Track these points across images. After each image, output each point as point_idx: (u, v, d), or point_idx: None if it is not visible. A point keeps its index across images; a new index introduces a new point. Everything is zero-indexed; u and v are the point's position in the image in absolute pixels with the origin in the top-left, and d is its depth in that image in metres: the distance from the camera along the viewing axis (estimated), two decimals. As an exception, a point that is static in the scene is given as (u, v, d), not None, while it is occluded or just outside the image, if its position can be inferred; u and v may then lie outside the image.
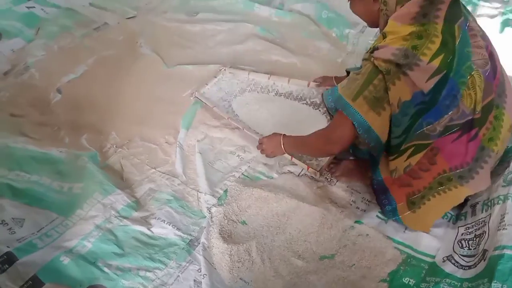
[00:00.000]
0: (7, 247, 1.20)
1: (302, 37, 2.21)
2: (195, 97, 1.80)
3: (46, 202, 1.37)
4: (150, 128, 1.73)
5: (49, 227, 1.30)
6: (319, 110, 1.75)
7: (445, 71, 1.05)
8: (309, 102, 1.79)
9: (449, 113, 1.11)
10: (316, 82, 1.79)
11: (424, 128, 1.14)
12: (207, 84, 1.86)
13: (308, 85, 1.80)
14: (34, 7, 2.42)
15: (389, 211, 1.30)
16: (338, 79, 1.72)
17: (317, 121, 1.68)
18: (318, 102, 1.77)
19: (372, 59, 1.10)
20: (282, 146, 1.42)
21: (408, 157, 1.20)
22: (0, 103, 1.84)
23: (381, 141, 1.17)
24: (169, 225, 1.35)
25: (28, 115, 1.78)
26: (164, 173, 1.55)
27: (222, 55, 2.11)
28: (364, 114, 1.11)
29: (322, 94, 1.38)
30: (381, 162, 1.29)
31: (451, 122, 1.13)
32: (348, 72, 1.44)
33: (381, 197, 1.32)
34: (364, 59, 1.16)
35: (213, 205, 1.41)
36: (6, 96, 1.87)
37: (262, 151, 1.50)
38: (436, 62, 1.04)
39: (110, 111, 1.81)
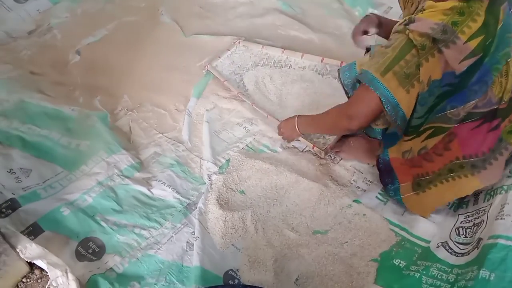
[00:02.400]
0: (12, 194, 1.26)
1: (324, 14, 2.16)
2: (207, 70, 1.80)
3: (53, 156, 1.42)
4: (161, 94, 1.75)
5: (54, 180, 1.35)
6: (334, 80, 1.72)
7: (480, 54, 1.00)
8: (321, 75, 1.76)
9: (476, 99, 1.07)
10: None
11: (447, 111, 1.10)
12: (219, 57, 1.85)
13: (322, 60, 1.77)
14: (61, -30, 2.45)
15: (391, 190, 1.28)
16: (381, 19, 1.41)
17: (335, 91, 1.66)
18: (331, 78, 1.75)
19: (407, 31, 1.01)
20: (296, 126, 1.35)
21: (426, 138, 1.17)
22: (22, 60, 1.89)
23: (407, 119, 1.10)
24: (169, 187, 1.38)
25: (47, 74, 1.84)
26: (170, 138, 1.57)
27: (240, 27, 2.09)
28: (393, 90, 1.03)
29: (339, 70, 1.32)
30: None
31: (475, 109, 1.09)
32: (367, 49, 1.37)
33: (384, 176, 1.30)
34: (396, 31, 1.07)
35: (214, 172, 1.43)
36: (28, 54, 1.93)
37: (283, 137, 1.47)
38: (473, 43, 0.98)
39: (125, 75, 1.84)
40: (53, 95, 1.70)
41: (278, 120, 1.52)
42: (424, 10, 1.03)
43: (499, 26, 1.00)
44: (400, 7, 1.21)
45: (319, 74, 1.79)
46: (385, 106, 1.05)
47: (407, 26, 1.02)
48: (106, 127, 1.55)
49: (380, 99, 1.04)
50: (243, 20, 2.14)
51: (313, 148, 1.48)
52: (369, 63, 1.09)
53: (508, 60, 1.05)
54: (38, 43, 2.01)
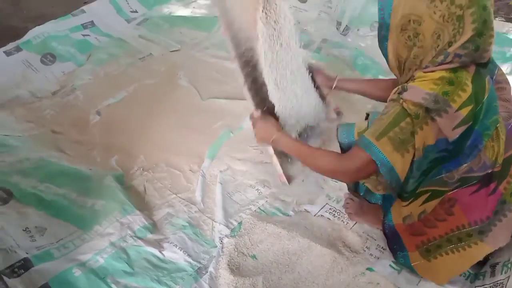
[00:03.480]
0: (26, 253, 1.27)
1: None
2: None
3: (68, 215, 1.43)
4: (177, 155, 1.79)
5: (68, 239, 1.36)
6: None
7: (471, 122, 1.04)
8: None
9: (468, 162, 1.10)
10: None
11: (443, 175, 1.13)
12: None
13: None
14: (89, 35, 2.62)
15: (400, 257, 1.27)
16: (341, 82, 1.58)
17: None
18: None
19: (400, 100, 1.06)
20: (271, 141, 1.35)
21: (423, 202, 1.18)
22: (45, 119, 1.98)
23: (401, 181, 1.11)
24: (181, 250, 1.38)
25: (67, 133, 1.91)
26: (183, 199, 1.59)
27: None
28: (387, 155, 1.06)
29: (338, 127, 1.37)
30: (394, 209, 1.27)
31: (471, 174, 1.11)
32: (367, 115, 1.43)
33: (392, 243, 1.29)
34: (391, 100, 1.11)
35: (225, 235, 1.43)
36: (50, 114, 2.02)
37: (255, 135, 1.44)
38: (464, 112, 1.02)
39: (142, 135, 1.89)
40: (72, 154, 1.76)
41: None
42: (415, 79, 1.08)
43: (486, 96, 1.05)
44: (395, 75, 1.25)
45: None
46: (380, 169, 1.08)
47: (401, 96, 1.06)
48: (121, 187, 1.58)
49: (374, 162, 1.08)
50: None
51: (279, 176, 1.46)
52: (368, 130, 1.13)
53: (497, 125, 1.09)
54: (61, 103, 2.11)
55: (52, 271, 1.24)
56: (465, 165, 1.10)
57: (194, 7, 3.06)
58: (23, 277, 1.21)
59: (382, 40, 1.14)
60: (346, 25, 2.74)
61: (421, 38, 1.04)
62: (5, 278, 1.08)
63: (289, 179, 1.47)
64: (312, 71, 1.64)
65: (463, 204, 1.14)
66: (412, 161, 1.07)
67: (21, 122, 1.93)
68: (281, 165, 1.48)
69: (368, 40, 2.58)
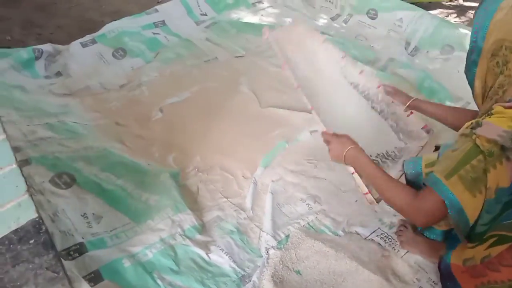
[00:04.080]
0: (82, 238, 1.33)
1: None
2: (267, 38, 1.69)
3: (124, 206, 1.48)
4: (231, 159, 1.81)
5: (121, 230, 1.41)
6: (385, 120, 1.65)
7: None
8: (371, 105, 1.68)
9: None
10: (387, 89, 1.66)
11: None
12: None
13: (378, 87, 1.68)
14: (159, 33, 2.72)
15: (455, 299, 1.20)
16: (412, 102, 1.58)
17: (383, 134, 1.61)
18: (379, 109, 1.67)
19: (473, 136, 1.00)
20: (344, 158, 1.26)
21: (489, 246, 1.11)
22: (110, 111, 2.07)
23: (470, 225, 1.05)
24: (227, 255, 1.39)
25: (130, 126, 1.98)
26: (234, 204, 1.60)
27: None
28: (458, 195, 1.00)
29: (404, 161, 1.32)
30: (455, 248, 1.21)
31: None
32: (437, 147, 1.37)
33: (446, 280, 1.23)
34: (462, 134, 1.06)
35: (272, 246, 1.42)
36: (116, 106, 2.10)
37: (329, 153, 1.34)
38: None
39: (200, 136, 1.93)
40: (132, 147, 1.83)
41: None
42: (492, 114, 1.01)
43: None
44: (477, 103, 1.19)
45: (367, 100, 1.69)
46: (449, 210, 1.02)
47: (474, 131, 1.00)
48: (176, 185, 1.61)
49: (444, 202, 1.02)
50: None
51: (365, 194, 1.31)
52: (436, 167, 1.08)
53: None
54: (127, 96, 2.20)
55: (104, 259, 1.29)
56: None
57: (262, 15, 3.10)
58: (77, 260, 1.26)
59: (471, 66, 1.09)
60: (415, 46, 2.67)
61: (509, 67, 0.99)
62: (61, 259, 1.13)
63: (378, 198, 1.30)
64: (388, 91, 1.65)
65: None
66: (483, 203, 1.01)
67: (89, 112, 2.03)
68: (365, 184, 1.32)
69: (437, 63, 2.49)
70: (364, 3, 3.01)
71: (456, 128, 1.38)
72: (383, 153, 1.52)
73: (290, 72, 1.59)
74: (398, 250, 1.43)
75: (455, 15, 3.62)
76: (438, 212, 1.05)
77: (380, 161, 1.47)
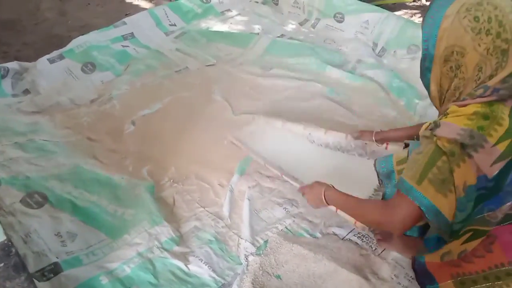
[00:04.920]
0: (56, 257, 1.30)
1: (369, 103, 2.22)
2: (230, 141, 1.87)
3: (99, 222, 1.47)
4: (207, 168, 1.81)
5: (97, 246, 1.39)
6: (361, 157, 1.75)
7: (510, 158, 1.00)
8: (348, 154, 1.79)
9: (511, 201, 1.05)
10: (354, 135, 1.78)
11: (485, 214, 1.08)
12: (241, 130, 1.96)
13: (346, 137, 1.79)
14: (128, 46, 2.70)
15: (430, 291, 1.22)
16: (379, 135, 1.71)
17: (362, 166, 1.70)
18: (357, 155, 1.77)
19: (434, 138, 1.04)
20: (324, 199, 1.32)
21: (465, 242, 1.14)
22: (81, 127, 2.04)
23: (450, 224, 1.06)
24: (206, 265, 1.38)
25: (102, 141, 1.96)
26: (211, 213, 1.60)
27: (286, 109, 2.17)
28: (431, 198, 1.01)
29: (375, 161, 1.35)
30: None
31: None
32: (406, 144, 1.40)
33: (421, 277, 1.25)
34: (424, 136, 1.09)
35: (251, 253, 1.42)
36: (87, 121, 2.08)
37: (308, 202, 1.42)
38: (502, 146, 0.98)
39: (174, 147, 1.92)
40: (106, 162, 1.81)
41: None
42: (448, 114, 1.05)
43: None
44: (435, 105, 1.21)
45: (343, 152, 1.82)
46: (426, 215, 1.03)
47: (434, 133, 1.04)
48: (152, 197, 1.60)
49: (419, 208, 1.03)
50: (290, 102, 2.23)
51: (355, 223, 1.40)
52: (406, 172, 1.09)
53: None
54: (98, 111, 2.17)
55: (80, 277, 1.26)
56: (508, 204, 1.05)
57: (231, 23, 3.12)
58: (52, 281, 1.24)
59: (425, 72, 1.13)
60: (383, 47, 2.73)
61: (463, 70, 1.03)
62: (35, 281, 1.11)
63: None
64: (356, 137, 1.78)
65: (503, 242, 1.08)
66: (455, 201, 1.03)
67: (60, 128, 1.99)
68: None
69: (404, 63, 2.55)
70: (331, 7, 3.07)
71: None
72: (377, 185, 1.61)
73: (256, 157, 1.81)
74: (376, 248, 1.45)
75: (419, 15, 3.72)
76: (412, 218, 1.06)
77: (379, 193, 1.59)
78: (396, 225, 1.09)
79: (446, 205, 1.02)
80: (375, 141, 1.71)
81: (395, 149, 1.69)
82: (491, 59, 0.99)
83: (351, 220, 1.41)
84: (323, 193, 1.32)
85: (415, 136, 1.50)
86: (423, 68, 1.13)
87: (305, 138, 1.92)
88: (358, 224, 1.41)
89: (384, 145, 1.73)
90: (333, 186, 1.33)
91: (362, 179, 1.63)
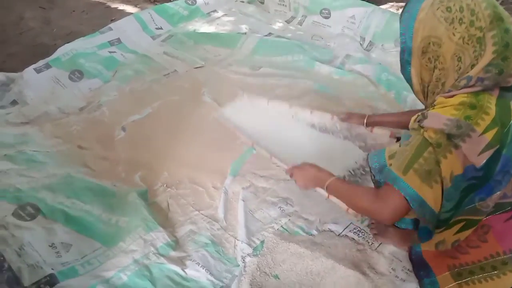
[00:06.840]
0: (52, 269, 1.29)
1: (360, 97, 2.22)
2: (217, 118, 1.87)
3: (93, 231, 1.45)
4: (200, 171, 1.80)
5: (92, 256, 1.38)
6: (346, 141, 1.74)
7: (498, 146, 1.01)
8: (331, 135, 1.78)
9: (501, 190, 1.06)
10: (341, 116, 1.77)
11: (476, 204, 1.09)
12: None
13: (332, 118, 1.78)
14: (115, 52, 2.67)
15: (427, 284, 1.23)
16: (371, 118, 1.70)
17: (348, 150, 1.70)
18: (342, 137, 1.76)
19: (421, 130, 1.05)
20: (326, 189, 1.29)
21: (457, 232, 1.15)
22: (71, 135, 2.02)
23: (436, 214, 1.07)
24: (203, 268, 1.37)
25: (93, 149, 1.94)
26: (206, 216, 1.59)
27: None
28: (416, 188, 1.02)
29: (368, 155, 1.35)
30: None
31: (505, 200, 1.07)
32: (397, 138, 1.41)
33: (418, 269, 1.25)
34: (412, 128, 1.10)
35: (248, 254, 1.42)
36: (77, 129, 2.05)
37: (297, 183, 1.40)
38: (489, 135, 0.99)
39: (166, 152, 1.91)
40: (97, 169, 1.79)
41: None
42: (435, 105, 1.06)
43: None
44: (419, 99, 1.22)
45: (328, 133, 1.81)
46: (411, 205, 1.04)
47: (421, 124, 1.04)
48: (145, 204, 1.59)
49: (405, 198, 1.04)
50: (280, 100, 2.22)
51: (347, 210, 1.34)
52: (393, 162, 1.11)
53: None
54: (87, 119, 2.15)
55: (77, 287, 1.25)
56: (498, 192, 1.05)
57: (218, 24, 3.10)
58: (48, 293, 1.23)
59: (405, 65, 1.14)
60: (370, 41, 2.75)
61: (441, 60, 1.04)
62: (31, 294, 1.10)
63: None
64: (343, 118, 1.75)
65: (497, 232, 1.09)
66: (442, 191, 1.04)
67: (49, 138, 1.97)
68: None
69: (392, 55, 2.56)
70: (317, 3, 3.07)
71: None
72: (353, 168, 1.61)
73: (244, 137, 1.83)
74: (372, 243, 1.45)
75: (405, 7, 3.72)
76: (401, 208, 1.07)
77: (352, 173, 1.58)
78: (385, 215, 1.10)
79: (431, 196, 1.03)
80: (366, 124, 1.70)
81: (380, 132, 1.69)
82: (468, 48, 1.00)
83: (344, 206, 1.35)
84: (326, 183, 1.29)
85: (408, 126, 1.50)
86: (403, 61, 1.15)
87: (290, 117, 1.91)
88: (350, 211, 1.34)
89: (369, 128, 1.71)
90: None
91: (341, 161, 1.63)
